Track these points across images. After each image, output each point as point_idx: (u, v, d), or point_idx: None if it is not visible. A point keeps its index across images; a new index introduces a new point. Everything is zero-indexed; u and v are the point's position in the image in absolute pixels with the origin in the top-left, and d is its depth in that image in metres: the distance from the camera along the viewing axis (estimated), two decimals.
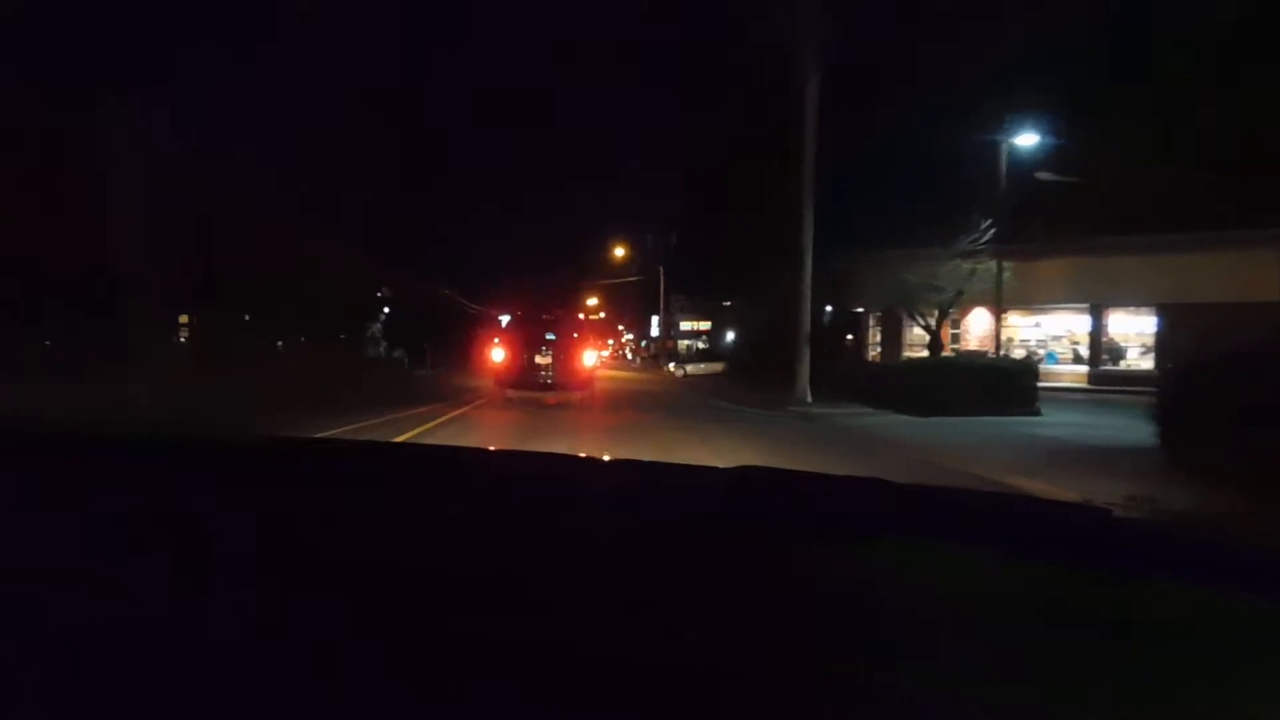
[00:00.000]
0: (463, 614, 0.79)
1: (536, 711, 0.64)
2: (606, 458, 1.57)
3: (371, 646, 0.72)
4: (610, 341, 61.08)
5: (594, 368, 16.92)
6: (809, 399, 16.40)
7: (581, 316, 20.75)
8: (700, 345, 54.83)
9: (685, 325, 53.14)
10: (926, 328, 19.77)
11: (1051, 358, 25.22)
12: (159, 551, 0.93)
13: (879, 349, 28.83)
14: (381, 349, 46.99)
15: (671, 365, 38.13)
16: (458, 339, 39.02)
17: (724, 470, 1.21)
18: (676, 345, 45.47)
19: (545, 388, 15.53)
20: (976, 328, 25.78)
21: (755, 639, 0.76)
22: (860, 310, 27.91)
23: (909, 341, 26.39)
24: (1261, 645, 0.76)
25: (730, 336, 53.84)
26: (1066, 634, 0.77)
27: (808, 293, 17.18)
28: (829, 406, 15.62)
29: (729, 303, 57.50)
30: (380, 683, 0.66)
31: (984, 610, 0.83)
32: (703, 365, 35.49)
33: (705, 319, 60.24)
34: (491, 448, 4.02)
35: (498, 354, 15.85)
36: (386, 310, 47.83)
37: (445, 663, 0.70)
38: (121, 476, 1.24)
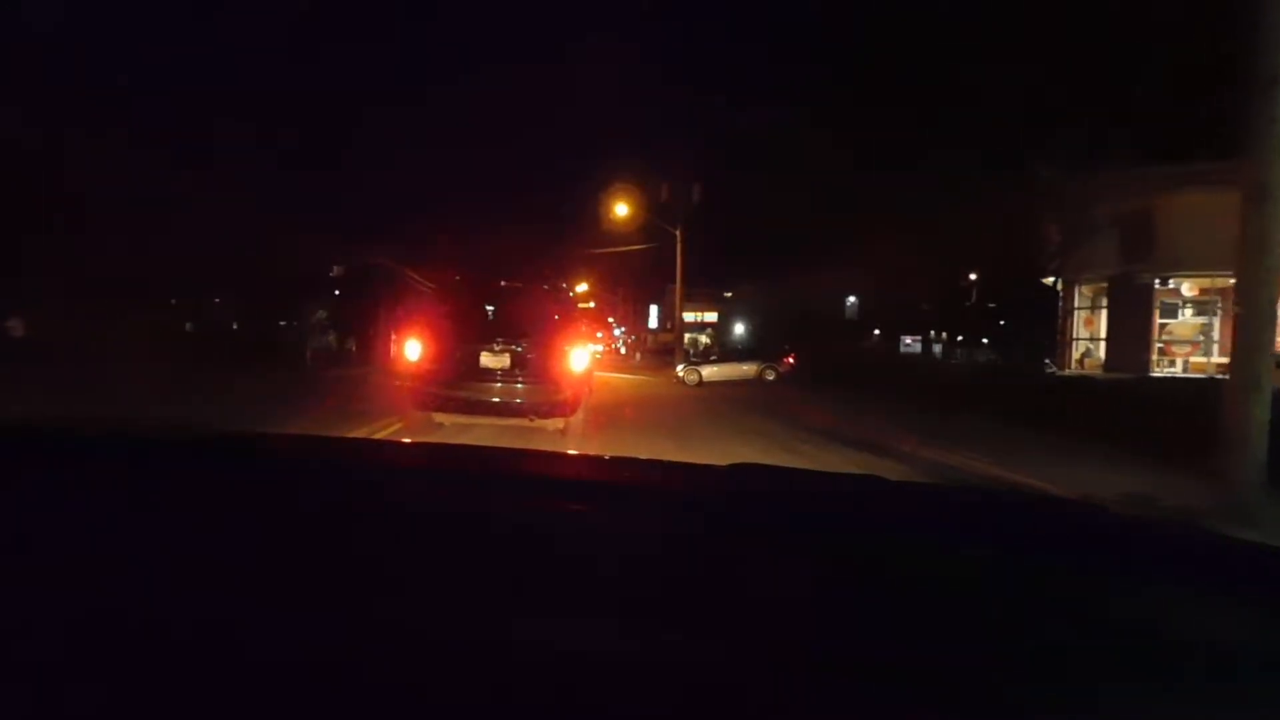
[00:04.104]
0: (461, 613, 0.77)
1: (536, 712, 0.63)
2: (605, 455, 1.53)
3: (371, 646, 0.71)
4: (600, 334, 52.93)
5: (587, 375, 9.18)
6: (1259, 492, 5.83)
7: (565, 286, 11.04)
8: (705, 339, 47.56)
9: (688, 316, 45.42)
10: None
11: None
12: (158, 551, 0.92)
13: (1082, 348, 17.82)
14: (331, 339, 40.34)
15: (680, 369, 25.83)
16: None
17: (722, 469, 1.25)
18: (683, 339, 36.55)
19: (499, 409, 8.20)
20: None
21: (755, 637, 0.75)
22: (1051, 282, 16.82)
23: (1170, 336, 15.41)
24: (1260, 642, 0.76)
25: (739, 329, 47.44)
26: (1065, 631, 0.77)
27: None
28: None
29: (730, 294, 51.65)
30: (380, 683, 0.66)
31: (982, 607, 0.83)
32: (724, 368, 24.92)
33: (710, 309, 53.16)
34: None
35: (414, 349, 8.34)
36: (337, 293, 42.64)
37: (444, 662, 0.69)
38: (116, 476, 1.20)
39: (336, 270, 44.35)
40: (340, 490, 1.18)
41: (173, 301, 33.92)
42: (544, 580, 0.85)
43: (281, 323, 38.84)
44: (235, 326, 37.66)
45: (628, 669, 0.68)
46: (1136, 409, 9.10)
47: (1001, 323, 38.71)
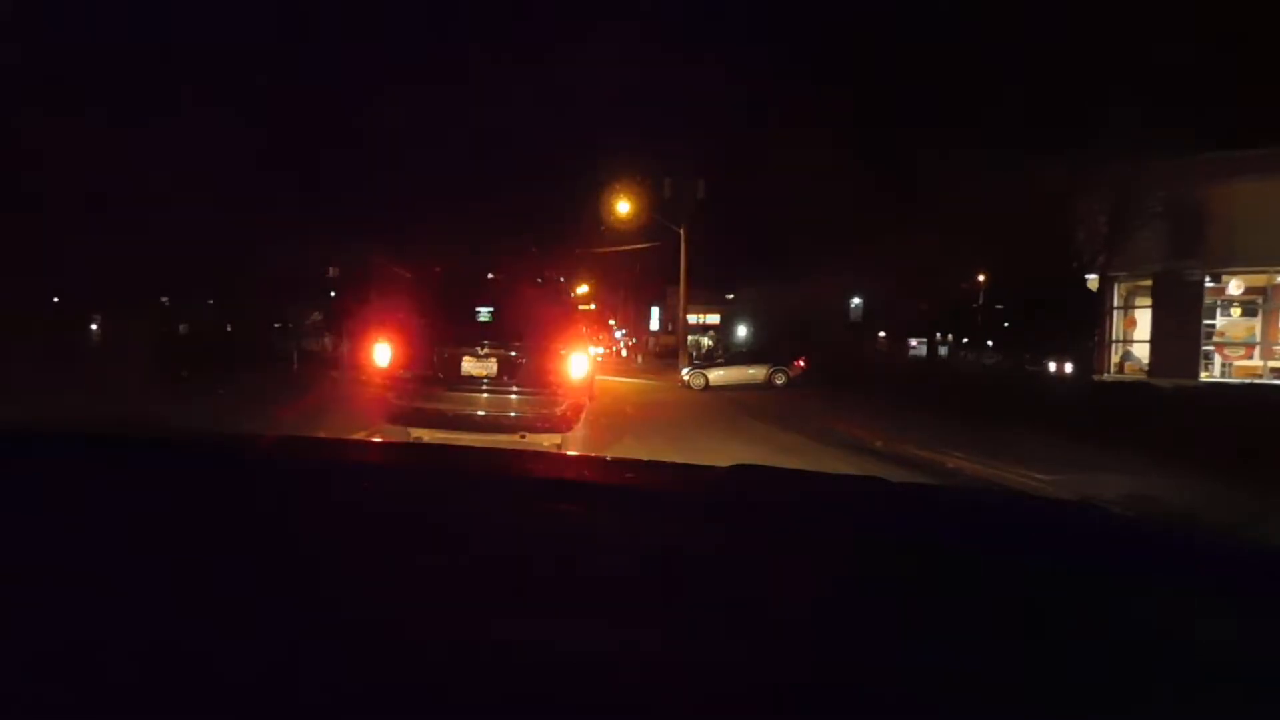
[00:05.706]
0: (464, 612, 0.78)
1: (537, 711, 0.64)
2: (605, 457, 1.53)
3: (373, 646, 0.71)
4: (601, 337, 51.73)
5: (588, 383, 7.65)
6: None
7: (563, 281, 9.59)
8: (707, 341, 46.68)
9: (690, 319, 44.45)
10: None
11: None
12: (159, 551, 0.92)
13: (1121, 350, 16.65)
14: (326, 340, 39.83)
15: (685, 373, 24.43)
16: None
17: (723, 469, 1.27)
18: (686, 341, 35.41)
19: (485, 423, 6.94)
20: None
21: (754, 638, 0.75)
22: (1090, 279, 15.50)
23: (1223, 338, 13.88)
24: (1258, 642, 0.76)
25: (742, 331, 46.58)
26: (1065, 631, 0.77)
27: None
28: None
29: (732, 296, 50.97)
30: (381, 682, 0.66)
31: (983, 608, 0.83)
32: (732, 371, 23.64)
33: (713, 311, 52.32)
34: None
35: (383, 354, 7.09)
36: (333, 294, 42.23)
37: (446, 662, 0.69)
38: (119, 476, 1.21)
39: (333, 271, 43.83)
40: (338, 491, 1.16)
41: (164, 300, 33.32)
42: (542, 581, 0.85)
43: (276, 325, 38.37)
44: (229, 328, 37.06)
45: (626, 669, 0.68)
46: (1222, 422, 8.01)
47: (1006, 325, 38.03)
